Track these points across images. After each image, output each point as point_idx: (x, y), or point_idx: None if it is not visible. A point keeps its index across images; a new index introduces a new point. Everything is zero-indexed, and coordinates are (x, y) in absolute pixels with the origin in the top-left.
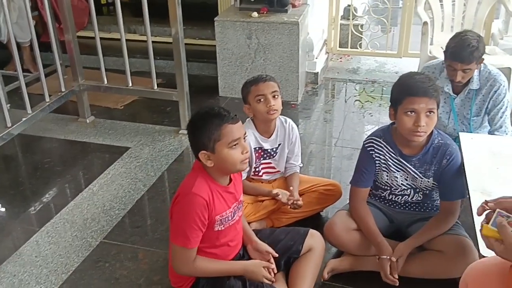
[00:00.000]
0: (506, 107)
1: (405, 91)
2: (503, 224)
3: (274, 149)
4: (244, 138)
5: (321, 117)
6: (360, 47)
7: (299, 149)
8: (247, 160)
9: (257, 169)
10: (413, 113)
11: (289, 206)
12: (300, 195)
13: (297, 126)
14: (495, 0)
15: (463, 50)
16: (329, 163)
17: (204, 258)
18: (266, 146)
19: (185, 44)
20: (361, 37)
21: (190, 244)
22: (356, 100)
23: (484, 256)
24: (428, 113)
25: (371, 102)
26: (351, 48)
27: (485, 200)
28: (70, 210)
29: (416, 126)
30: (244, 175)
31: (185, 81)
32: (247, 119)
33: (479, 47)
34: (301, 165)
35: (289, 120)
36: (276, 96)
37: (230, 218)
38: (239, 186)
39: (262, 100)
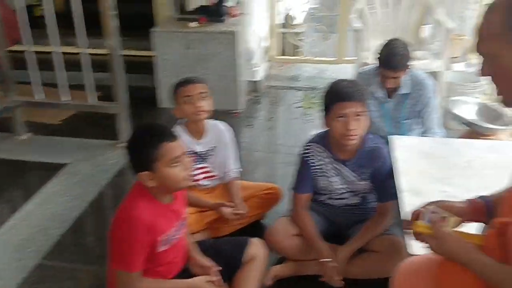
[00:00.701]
0: (435, 109)
1: (333, 98)
2: (435, 220)
3: (208, 152)
4: (185, 155)
5: (265, 125)
6: (300, 55)
7: (235, 153)
8: (191, 177)
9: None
10: (343, 118)
11: (234, 215)
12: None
13: (241, 134)
14: (423, 8)
15: (393, 59)
16: (275, 170)
17: (149, 280)
18: (198, 148)
19: (123, 55)
20: (301, 45)
21: (133, 268)
22: (298, 107)
23: (412, 255)
24: (357, 117)
25: (313, 108)
26: (291, 55)
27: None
28: (5, 231)
29: (347, 130)
30: None
31: (124, 93)
32: (178, 123)
33: (406, 54)
34: (241, 169)
35: (222, 122)
36: (204, 98)
37: (174, 237)
38: (183, 202)
39: (189, 101)
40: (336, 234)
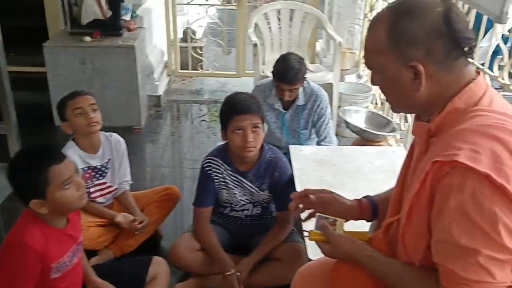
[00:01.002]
0: (329, 119)
1: (230, 111)
2: (325, 225)
3: (105, 165)
4: (76, 173)
5: (169, 140)
6: (201, 69)
7: (128, 164)
8: (85, 195)
9: (88, 192)
10: (240, 130)
11: (135, 227)
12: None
13: (144, 150)
14: (315, 24)
15: (288, 73)
16: (181, 185)
17: None
18: (95, 162)
19: (12, 71)
20: (202, 59)
21: None
22: (202, 121)
23: (311, 260)
24: (254, 129)
25: (216, 121)
26: (192, 69)
27: (305, 189)
28: None
29: (244, 143)
30: None
31: (12, 112)
32: (69, 141)
33: (301, 68)
34: (131, 182)
35: (114, 134)
36: (94, 109)
37: (68, 263)
38: (77, 225)
39: (80, 113)
40: (239, 246)
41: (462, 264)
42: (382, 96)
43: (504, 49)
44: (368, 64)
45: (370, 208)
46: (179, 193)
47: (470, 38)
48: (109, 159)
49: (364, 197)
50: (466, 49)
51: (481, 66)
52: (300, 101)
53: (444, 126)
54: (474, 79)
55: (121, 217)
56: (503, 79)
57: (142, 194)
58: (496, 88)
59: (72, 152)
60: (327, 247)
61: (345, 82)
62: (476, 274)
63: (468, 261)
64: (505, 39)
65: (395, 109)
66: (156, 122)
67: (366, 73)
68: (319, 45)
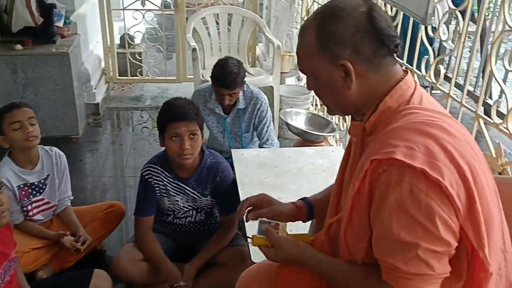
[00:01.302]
0: (270, 121)
1: (167, 117)
2: (269, 229)
3: (43, 181)
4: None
5: (109, 148)
6: (141, 75)
7: (69, 179)
8: (6, 213)
9: (26, 210)
10: (177, 137)
11: (77, 248)
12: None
13: (84, 160)
14: (254, 27)
15: (227, 77)
16: (125, 193)
17: None
18: (32, 179)
19: None
20: (141, 65)
21: None
22: (143, 127)
23: (255, 263)
24: (191, 136)
25: None
26: (131, 76)
27: (246, 199)
28: None
29: (181, 150)
30: (16, 221)
31: None
32: (4, 157)
33: (240, 72)
34: (72, 198)
35: (54, 148)
36: (33, 123)
37: (0, 281)
38: (8, 240)
39: (18, 127)
40: (185, 253)
41: (403, 258)
42: None
43: (430, 49)
44: (302, 70)
45: (306, 209)
46: (124, 209)
47: (393, 36)
48: (48, 175)
49: (300, 199)
50: (392, 47)
51: (409, 66)
52: (241, 104)
53: (379, 125)
54: (402, 78)
55: (66, 240)
56: (430, 78)
57: (84, 210)
58: (425, 87)
59: (7, 169)
60: (271, 251)
61: (285, 85)
62: (416, 267)
63: (408, 255)
64: (430, 40)
65: (330, 111)
66: (95, 130)
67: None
68: (259, 49)
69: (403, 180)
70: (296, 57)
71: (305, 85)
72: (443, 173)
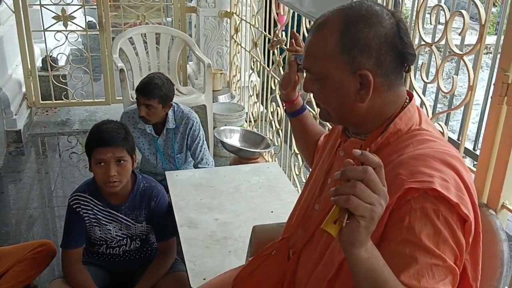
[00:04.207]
0: (203, 140)
1: (92, 142)
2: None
3: None
4: None
5: (34, 178)
6: (66, 98)
7: None
8: None
9: None
10: (103, 163)
11: None
12: (4, 273)
13: (5, 192)
14: (183, 46)
15: (146, 86)
16: (54, 225)
17: None
18: None
19: None
20: (66, 88)
21: None
22: (72, 153)
23: None
24: (118, 162)
25: None
26: (56, 100)
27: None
28: None
29: (107, 177)
30: None
31: None
32: None
33: (163, 86)
34: None
35: None
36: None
37: None
38: None
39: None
40: (122, 285)
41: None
42: (255, 114)
43: None
44: (310, 69)
45: (299, 105)
46: (55, 248)
47: (414, 55)
48: None
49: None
50: (407, 67)
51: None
52: (170, 124)
53: (385, 147)
54: (406, 99)
55: None
56: None
57: (8, 251)
58: None
59: None
60: (354, 224)
61: (218, 103)
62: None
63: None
64: None
65: (325, 117)
66: (17, 159)
67: (238, 92)
68: (190, 68)
69: (439, 211)
70: (227, 75)
71: (238, 102)
72: (469, 210)
